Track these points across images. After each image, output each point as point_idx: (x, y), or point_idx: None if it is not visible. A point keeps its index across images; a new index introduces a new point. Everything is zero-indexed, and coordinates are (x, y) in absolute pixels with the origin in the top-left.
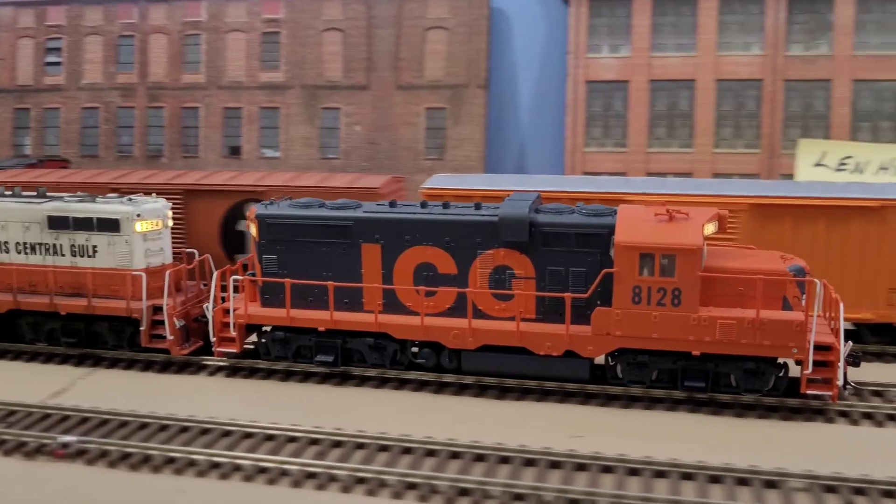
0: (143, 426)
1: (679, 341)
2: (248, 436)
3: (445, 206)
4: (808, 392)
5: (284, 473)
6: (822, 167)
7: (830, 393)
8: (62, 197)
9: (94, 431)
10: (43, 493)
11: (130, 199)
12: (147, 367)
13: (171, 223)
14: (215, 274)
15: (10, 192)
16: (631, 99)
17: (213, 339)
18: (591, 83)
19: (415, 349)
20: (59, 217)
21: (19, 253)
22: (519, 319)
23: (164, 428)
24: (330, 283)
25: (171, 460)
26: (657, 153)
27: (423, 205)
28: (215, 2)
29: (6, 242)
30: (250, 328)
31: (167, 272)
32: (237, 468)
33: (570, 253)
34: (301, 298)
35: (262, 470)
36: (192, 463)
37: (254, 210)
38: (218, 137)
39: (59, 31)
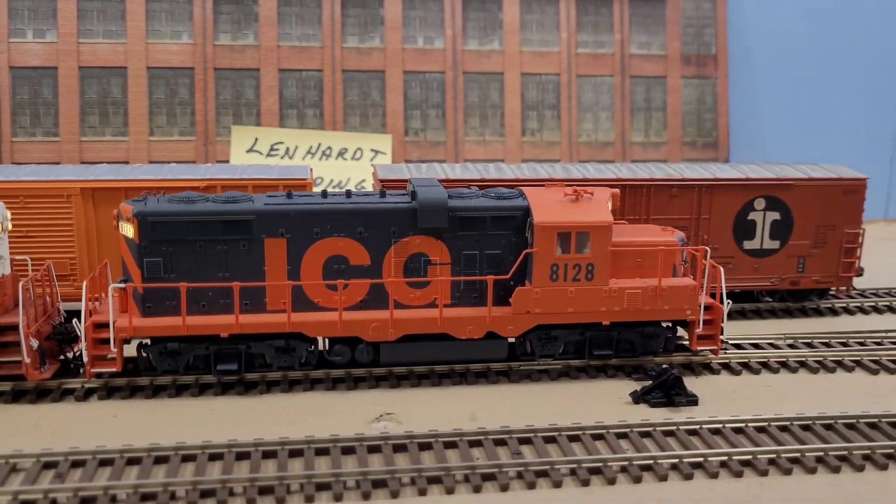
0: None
1: (592, 313)
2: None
3: (348, 194)
4: (697, 348)
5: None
6: (255, 153)
7: (714, 348)
8: None
9: None
10: None
11: None
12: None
13: (10, 226)
14: (84, 283)
15: None
16: (60, 86)
17: (84, 359)
18: (15, 69)
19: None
20: None
21: None
22: (441, 306)
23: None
24: (235, 283)
25: None
26: (91, 142)
27: (324, 194)
28: None
29: None
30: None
31: (20, 283)
32: None
33: (485, 236)
34: (193, 304)
35: None
36: None
37: (129, 208)
38: None
39: None
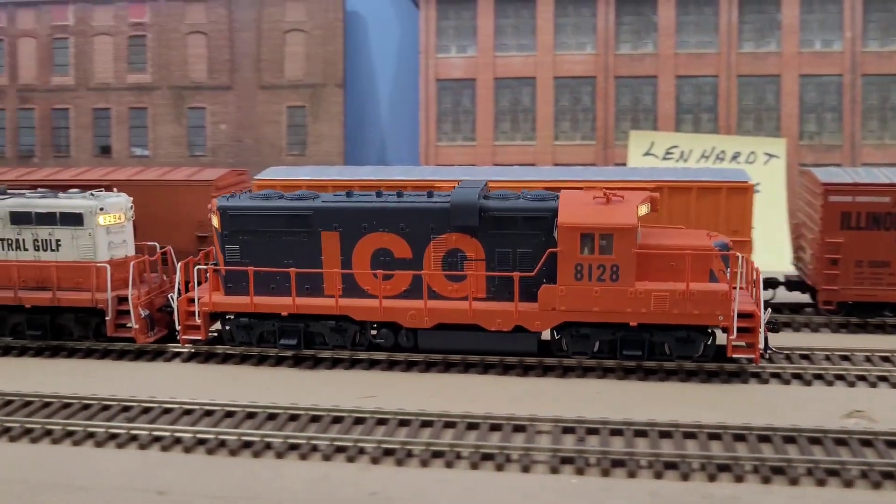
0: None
1: (618, 313)
2: (85, 407)
3: (399, 194)
4: (734, 356)
5: (90, 436)
6: (651, 156)
7: (753, 356)
8: (24, 193)
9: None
10: None
11: (93, 195)
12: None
13: (133, 216)
14: (179, 265)
15: None
16: (478, 96)
17: (178, 328)
18: (441, 81)
19: (373, 331)
20: (21, 212)
21: None
22: (471, 298)
23: (105, 408)
24: (292, 269)
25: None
26: (503, 146)
27: (378, 194)
28: (82, 6)
29: None
30: (214, 316)
31: (131, 263)
32: (48, 433)
33: (517, 235)
34: (264, 286)
35: (69, 433)
36: (6, 430)
37: (215, 202)
38: (89, 137)
39: None
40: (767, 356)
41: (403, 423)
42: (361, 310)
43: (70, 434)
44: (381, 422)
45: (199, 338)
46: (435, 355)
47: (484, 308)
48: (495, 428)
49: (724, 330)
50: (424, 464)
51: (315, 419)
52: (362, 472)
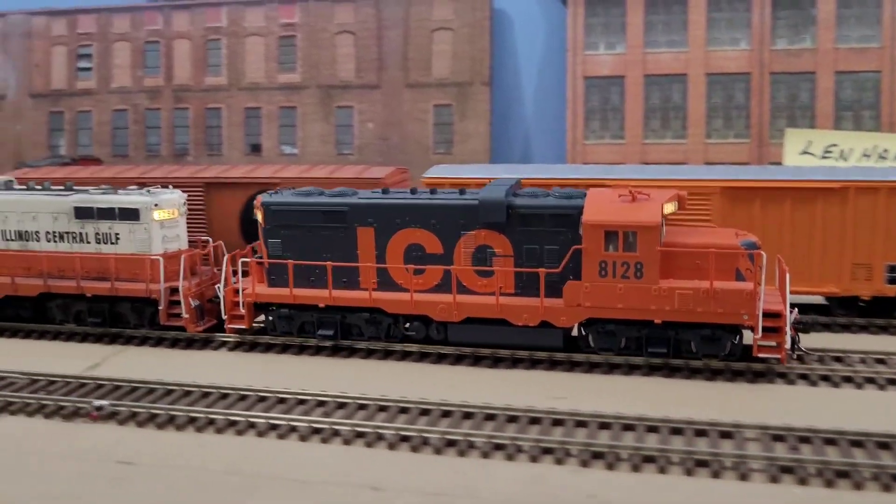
0: (169, 392)
1: (642, 310)
2: (262, 399)
3: (433, 192)
4: (759, 355)
5: (294, 430)
6: (809, 155)
7: (779, 356)
8: (87, 189)
9: (125, 397)
10: (79, 448)
11: (149, 191)
12: (173, 343)
13: (186, 212)
14: (226, 257)
15: (40, 187)
16: (627, 93)
17: (224, 317)
18: (588, 79)
19: (407, 324)
20: (84, 208)
21: (49, 241)
22: (498, 294)
23: (187, 394)
24: (328, 262)
25: (192, 419)
26: (652, 144)
27: (413, 191)
28: (235, 8)
29: (37, 232)
30: (259, 307)
31: (182, 256)
32: (252, 425)
33: (544, 232)
34: (304, 278)
35: (274, 426)
36: (211, 422)
37: (260, 198)
38: (240, 136)
39: (90, 39)
40: (795, 357)
41: (604, 426)
42: (393, 303)
43: (274, 427)
44: (581, 423)
45: (244, 326)
46: (616, 358)
47: (511, 303)
48: (700, 433)
49: (751, 329)
50: (636, 468)
51: (512, 419)
52: (574, 474)
